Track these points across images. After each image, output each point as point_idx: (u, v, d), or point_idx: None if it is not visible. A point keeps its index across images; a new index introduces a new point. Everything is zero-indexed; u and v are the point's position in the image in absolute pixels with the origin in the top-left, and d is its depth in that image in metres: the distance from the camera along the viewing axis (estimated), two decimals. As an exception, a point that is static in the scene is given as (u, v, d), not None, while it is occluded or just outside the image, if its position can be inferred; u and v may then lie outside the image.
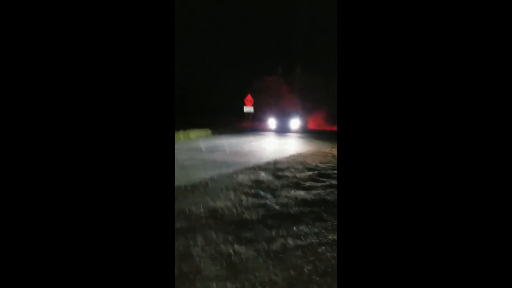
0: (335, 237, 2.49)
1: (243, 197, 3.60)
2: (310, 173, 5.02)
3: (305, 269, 2.01)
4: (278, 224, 2.80)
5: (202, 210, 3.13)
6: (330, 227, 2.74)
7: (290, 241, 2.43)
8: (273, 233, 2.60)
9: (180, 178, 4.33)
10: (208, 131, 12.26)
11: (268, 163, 5.84)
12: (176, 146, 7.40)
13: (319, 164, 5.81)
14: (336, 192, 3.64)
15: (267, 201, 3.47)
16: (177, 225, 2.72)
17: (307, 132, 14.16)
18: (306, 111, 16.45)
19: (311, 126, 16.44)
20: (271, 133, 13.80)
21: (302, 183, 4.35)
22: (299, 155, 7.00)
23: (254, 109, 16.68)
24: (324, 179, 4.58)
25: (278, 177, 4.65)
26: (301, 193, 3.83)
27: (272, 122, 15.09)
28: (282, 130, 14.30)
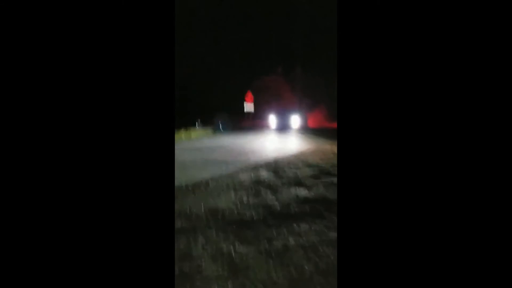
0: (335, 234, 2.50)
1: (244, 197, 3.61)
2: (311, 172, 5.02)
3: (305, 268, 2.02)
4: (278, 223, 2.80)
5: (203, 210, 3.14)
6: (331, 225, 2.75)
7: (291, 240, 2.43)
8: (274, 232, 2.60)
9: (181, 178, 4.35)
10: (209, 131, 12.29)
11: (268, 162, 5.84)
12: (177, 146, 7.46)
13: (319, 162, 5.81)
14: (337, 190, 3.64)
15: (268, 201, 3.47)
16: (178, 224, 2.73)
17: (307, 130, 14.17)
18: (306, 109, 16.46)
19: (311, 123, 16.45)
20: (271, 131, 13.80)
21: (303, 181, 4.35)
22: (301, 154, 6.99)
23: (255, 108, 16.67)
24: (325, 177, 4.58)
25: (279, 176, 4.65)
26: (302, 192, 3.83)
27: (272, 121, 15.11)
28: (283, 128, 14.30)
